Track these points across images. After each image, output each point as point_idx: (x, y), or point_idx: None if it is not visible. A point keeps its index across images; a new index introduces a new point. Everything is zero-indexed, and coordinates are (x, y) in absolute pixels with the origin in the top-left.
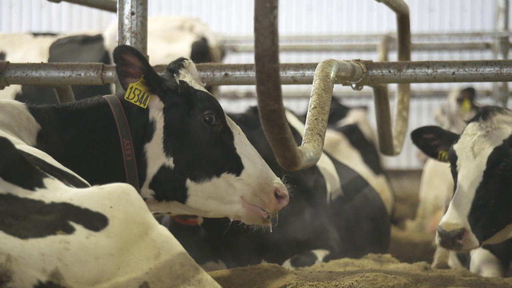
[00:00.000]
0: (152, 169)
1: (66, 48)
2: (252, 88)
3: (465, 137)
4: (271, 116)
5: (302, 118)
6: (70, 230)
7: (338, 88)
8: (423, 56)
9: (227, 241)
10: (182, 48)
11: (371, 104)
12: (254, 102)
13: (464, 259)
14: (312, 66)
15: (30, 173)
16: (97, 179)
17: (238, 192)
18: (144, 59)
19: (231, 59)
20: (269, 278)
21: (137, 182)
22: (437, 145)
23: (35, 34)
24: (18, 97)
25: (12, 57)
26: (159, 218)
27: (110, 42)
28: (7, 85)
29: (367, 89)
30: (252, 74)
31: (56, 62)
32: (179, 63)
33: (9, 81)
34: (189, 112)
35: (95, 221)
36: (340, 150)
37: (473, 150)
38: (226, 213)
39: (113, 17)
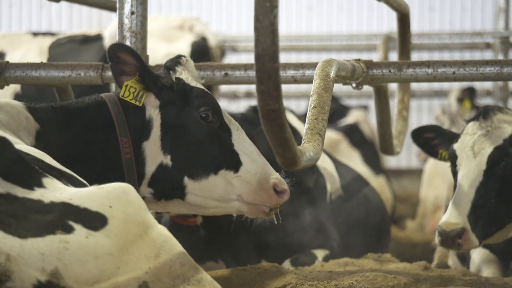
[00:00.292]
0: (150, 168)
1: (66, 48)
2: (252, 87)
3: (465, 136)
4: (271, 116)
5: (302, 117)
6: (69, 230)
7: (338, 88)
8: (424, 56)
9: (227, 241)
10: (182, 47)
11: (371, 103)
12: (254, 102)
13: (464, 259)
14: (312, 65)
15: (29, 173)
16: (96, 178)
17: (236, 190)
18: (138, 57)
19: (231, 58)
20: (269, 278)
21: (136, 180)
22: (437, 145)
23: (35, 34)
24: (17, 96)
25: (12, 57)
26: (158, 218)
27: (110, 41)
28: (6, 85)
29: (367, 88)
30: (252, 73)
31: (55, 61)
32: (176, 60)
33: (8, 80)
34: (185, 109)
35: (94, 220)
36: (340, 150)
37: (473, 150)
38: (227, 210)
39: (113, 17)
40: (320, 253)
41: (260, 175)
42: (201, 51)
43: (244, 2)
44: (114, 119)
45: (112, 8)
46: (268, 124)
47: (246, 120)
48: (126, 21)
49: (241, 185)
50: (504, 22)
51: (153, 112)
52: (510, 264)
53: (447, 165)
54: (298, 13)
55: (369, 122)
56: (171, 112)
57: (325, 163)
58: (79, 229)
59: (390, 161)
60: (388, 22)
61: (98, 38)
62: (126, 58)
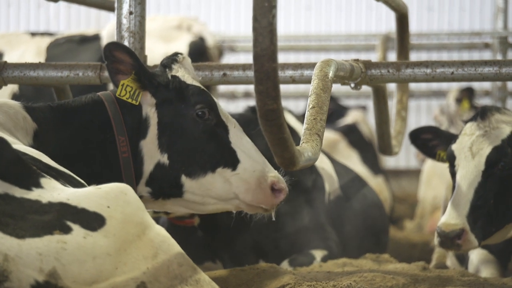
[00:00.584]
0: (148, 167)
1: (64, 48)
2: (251, 88)
3: (463, 137)
4: (270, 116)
5: (300, 118)
6: (67, 230)
7: (336, 88)
8: (422, 56)
9: (225, 241)
10: (180, 47)
11: (370, 104)
12: (252, 102)
13: (463, 259)
14: (311, 65)
15: (27, 173)
16: (93, 177)
17: (234, 188)
18: (134, 55)
19: (229, 58)
20: (267, 278)
21: (133, 179)
22: (435, 146)
23: (33, 34)
24: (15, 96)
25: (10, 57)
26: (156, 218)
27: (108, 41)
28: (4, 85)
29: (366, 89)
30: (250, 73)
31: (53, 61)
32: (172, 58)
33: (6, 80)
34: (181, 107)
35: (92, 221)
36: (339, 150)
37: (472, 150)
38: (225, 207)
39: (111, 17)
40: (318, 254)
41: (258, 173)
42: (199, 51)
43: (243, 2)
44: (111, 118)
45: (110, 8)
46: (267, 124)
47: (244, 120)
48: (124, 21)
49: (239, 184)
50: (502, 22)
51: (150, 110)
52: (509, 265)
53: (445, 165)
54: (297, 13)
55: (368, 122)
56: (167, 110)
57: (323, 163)
58: (77, 229)
59: (389, 161)
60: (387, 22)
61: (96, 38)
62: (122, 56)
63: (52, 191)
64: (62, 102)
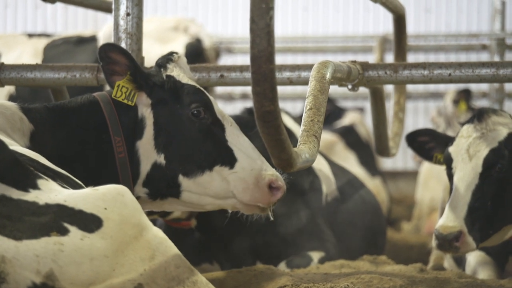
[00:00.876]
0: (145, 167)
1: (61, 49)
2: (248, 89)
3: (460, 139)
4: (267, 117)
5: (297, 119)
6: (64, 232)
7: (334, 90)
8: (420, 57)
9: (222, 243)
10: (176, 49)
11: (367, 105)
12: (250, 103)
13: (460, 261)
14: (308, 67)
15: (24, 175)
16: (90, 178)
17: (231, 187)
18: (130, 56)
19: (227, 60)
20: (264, 280)
21: (130, 180)
22: (432, 148)
23: (30, 35)
24: (11, 98)
25: (7, 58)
26: (153, 221)
27: (104, 42)
28: (1, 86)
29: (363, 90)
30: (248, 75)
31: (50, 63)
32: (167, 58)
33: (3, 82)
34: (176, 106)
35: (89, 222)
36: (336, 152)
37: (469, 153)
38: (222, 206)
39: (109, 18)
40: (315, 255)
41: (256, 171)
42: (196, 52)
43: (240, 4)
44: (106, 118)
45: (108, 10)
46: (264, 125)
47: (241, 122)
48: (121, 22)
49: (236, 183)
50: (500, 24)
51: (146, 111)
52: (506, 266)
53: (442, 167)
54: (294, 14)
55: (365, 124)
56: (163, 110)
57: (320, 165)
58: (74, 231)
59: (386, 163)
60: (384, 23)
61: (93, 39)
62: (117, 57)
63: (49, 193)
64: (58, 103)
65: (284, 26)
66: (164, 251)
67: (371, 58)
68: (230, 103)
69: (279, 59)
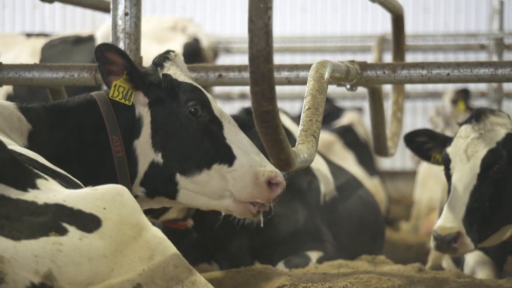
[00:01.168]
0: (143, 166)
1: (59, 49)
2: (246, 89)
3: (458, 139)
4: (265, 117)
5: (296, 119)
6: (63, 232)
7: (332, 89)
8: (418, 57)
9: (220, 242)
10: (174, 49)
11: (366, 105)
12: (248, 103)
13: (459, 261)
14: (307, 67)
15: (23, 174)
16: (88, 178)
17: (229, 186)
18: (126, 55)
19: (225, 60)
20: (263, 280)
21: (128, 179)
22: (431, 148)
23: (28, 35)
24: (9, 97)
25: (5, 58)
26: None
27: (102, 42)
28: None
29: (361, 90)
30: (246, 75)
31: (48, 63)
32: (164, 56)
33: (2, 82)
34: (174, 105)
35: (88, 222)
36: (334, 151)
37: (467, 153)
38: (217, 207)
39: (107, 18)
40: (314, 255)
41: (255, 168)
42: (193, 52)
43: (238, 3)
44: (104, 118)
45: (106, 9)
46: (262, 125)
47: (238, 122)
48: (119, 22)
49: (235, 181)
50: (498, 23)
51: (143, 110)
52: (504, 266)
53: (441, 167)
54: (292, 14)
55: (363, 124)
56: (160, 109)
57: (319, 165)
58: (72, 231)
59: (384, 163)
60: (382, 23)
61: (90, 39)
62: (113, 57)
63: (48, 192)
64: (56, 103)
65: (283, 26)
66: (163, 251)
67: (370, 58)
68: (229, 103)
69: (278, 59)
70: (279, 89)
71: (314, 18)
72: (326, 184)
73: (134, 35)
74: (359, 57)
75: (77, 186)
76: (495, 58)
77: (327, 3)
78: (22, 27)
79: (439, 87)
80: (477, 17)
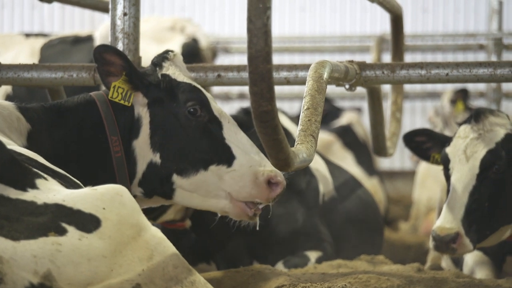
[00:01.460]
0: (141, 166)
1: (57, 49)
2: (245, 89)
3: (457, 140)
4: (264, 117)
5: (294, 119)
6: (62, 232)
7: (331, 89)
8: (417, 57)
9: (218, 243)
10: (173, 49)
11: (365, 105)
12: (247, 103)
13: (458, 261)
14: (306, 67)
15: (22, 174)
16: (87, 178)
17: (226, 187)
18: (125, 56)
19: (224, 60)
20: (262, 280)
21: (127, 179)
22: (430, 148)
23: (27, 35)
24: (8, 98)
25: (4, 58)
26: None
27: (101, 42)
28: None
29: (360, 90)
30: (245, 75)
31: (47, 63)
32: (163, 56)
33: (0, 82)
34: (173, 105)
35: (87, 222)
36: (333, 151)
37: (466, 153)
38: (213, 208)
39: (105, 18)
40: (313, 255)
41: (254, 168)
42: (192, 52)
43: (237, 3)
44: (103, 118)
45: (105, 9)
46: (261, 125)
47: (237, 122)
48: (118, 22)
49: (233, 181)
50: (497, 24)
51: (142, 110)
52: (503, 266)
53: (440, 167)
54: (291, 14)
55: (362, 124)
56: (159, 109)
57: (317, 165)
58: (72, 231)
59: (383, 163)
60: (381, 23)
61: (89, 39)
62: (112, 58)
63: (47, 192)
64: (55, 103)
65: (282, 26)
66: (162, 251)
67: (369, 58)
68: (227, 103)
69: (277, 59)
70: (278, 89)
71: (313, 18)
72: (325, 184)
73: (133, 35)
74: (358, 57)
75: (77, 186)
76: (494, 58)
77: (326, 3)
78: (21, 27)
79: (438, 87)
80: (476, 17)
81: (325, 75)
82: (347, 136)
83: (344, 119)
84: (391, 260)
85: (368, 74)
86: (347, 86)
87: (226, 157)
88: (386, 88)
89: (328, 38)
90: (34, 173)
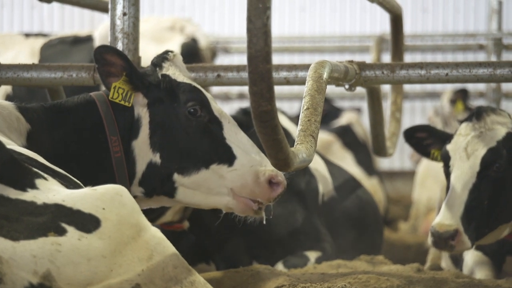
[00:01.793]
0: (141, 166)
1: (57, 49)
2: (245, 89)
3: (458, 137)
4: (264, 117)
5: (294, 119)
6: (62, 232)
7: (331, 89)
8: (417, 57)
9: (217, 244)
10: (172, 49)
11: (364, 105)
12: (246, 103)
13: (457, 261)
14: (305, 67)
15: (22, 174)
16: (87, 178)
17: (228, 183)
18: (125, 57)
19: (223, 60)
20: (262, 280)
21: (127, 180)
22: (430, 144)
23: (27, 35)
24: (8, 97)
25: (4, 58)
26: None
27: (100, 42)
28: None
29: (360, 90)
30: (244, 75)
31: (47, 63)
32: (163, 57)
33: (0, 81)
34: (173, 105)
35: (87, 222)
36: (333, 151)
37: (467, 151)
38: (217, 205)
39: (105, 18)
40: (312, 255)
41: (255, 168)
42: (191, 52)
43: (237, 3)
44: (103, 118)
45: (104, 9)
46: (261, 125)
47: (236, 122)
48: (118, 22)
49: (235, 179)
50: (497, 24)
51: (142, 110)
52: (503, 266)
53: (440, 167)
54: (291, 14)
55: (362, 124)
56: (159, 109)
57: (317, 164)
58: (71, 231)
59: (383, 163)
60: (381, 23)
61: (89, 39)
62: (112, 59)
63: (47, 192)
64: (55, 103)
65: (281, 26)
66: (162, 251)
67: (368, 58)
68: (227, 103)
69: (276, 59)
70: (277, 89)
71: (313, 18)
72: (325, 184)
73: (133, 35)
74: (358, 57)
75: (77, 186)
76: (493, 58)
77: (326, 3)
78: (20, 27)
79: (438, 87)
80: (475, 17)
81: (325, 75)
82: (346, 136)
83: (343, 119)
84: (390, 260)
85: (368, 74)
86: (346, 86)
87: (227, 156)
88: (386, 88)
89: (328, 38)
90: (34, 173)
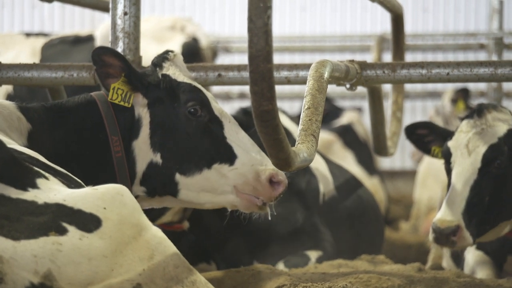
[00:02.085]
0: (141, 166)
1: (58, 49)
2: (246, 88)
3: (459, 134)
4: (265, 117)
5: (295, 118)
6: (63, 231)
7: (332, 89)
8: (417, 57)
9: (218, 244)
10: (173, 48)
11: (365, 105)
12: (247, 103)
13: (459, 260)
14: (306, 66)
15: (23, 174)
16: (88, 178)
17: (231, 182)
18: (123, 58)
19: (224, 59)
20: (263, 280)
21: (128, 179)
22: (431, 141)
23: (28, 35)
24: (9, 97)
25: (5, 58)
26: None
27: (101, 42)
28: None
29: (361, 89)
30: (245, 74)
31: (48, 62)
32: (163, 56)
33: (1, 81)
34: (173, 105)
35: (88, 222)
36: (334, 151)
37: (468, 148)
38: (221, 203)
39: (106, 17)
40: (313, 255)
41: (256, 166)
42: (192, 52)
43: (238, 3)
44: (103, 118)
45: (105, 9)
46: (262, 125)
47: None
48: (119, 21)
49: (236, 177)
50: (498, 23)
51: (142, 110)
52: (504, 266)
53: (441, 166)
54: (292, 13)
55: (363, 123)
56: (159, 109)
57: (318, 164)
58: (72, 230)
59: (384, 162)
60: (382, 23)
61: (90, 38)
62: (111, 60)
63: (48, 192)
64: (56, 102)
65: (282, 25)
66: (163, 251)
67: (369, 58)
68: (228, 102)
69: (277, 59)
70: (278, 88)
71: (314, 18)
72: (325, 183)
73: (133, 34)
74: (359, 57)
75: (78, 185)
76: (494, 58)
77: (327, 3)
78: (21, 27)
79: (439, 86)
80: (476, 17)
81: (326, 75)
82: (347, 135)
83: (344, 119)
84: (391, 260)
85: (369, 74)
86: (347, 86)
87: (228, 156)
88: (387, 87)
89: (329, 38)
90: (35, 173)
